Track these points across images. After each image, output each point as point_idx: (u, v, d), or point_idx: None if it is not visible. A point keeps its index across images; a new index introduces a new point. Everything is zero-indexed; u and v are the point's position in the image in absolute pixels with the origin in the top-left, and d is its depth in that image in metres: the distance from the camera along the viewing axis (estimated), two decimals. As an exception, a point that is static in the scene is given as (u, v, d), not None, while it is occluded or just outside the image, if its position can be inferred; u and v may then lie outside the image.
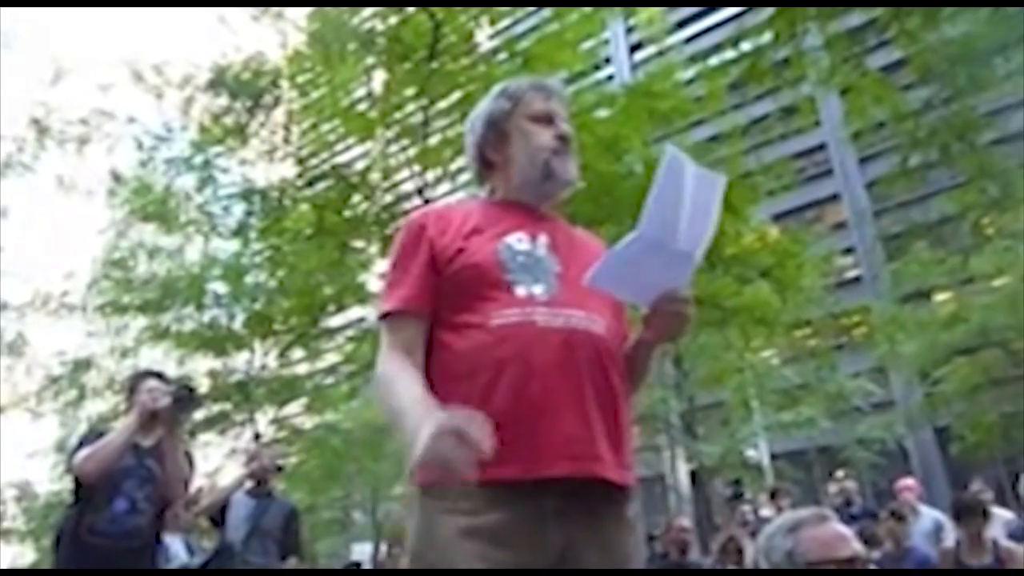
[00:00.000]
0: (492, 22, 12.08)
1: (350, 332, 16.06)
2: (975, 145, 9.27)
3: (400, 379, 1.46)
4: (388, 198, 12.86)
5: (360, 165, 13.29)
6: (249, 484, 4.64)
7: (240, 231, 13.43)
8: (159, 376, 3.47)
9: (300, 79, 13.00)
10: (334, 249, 12.09)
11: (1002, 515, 6.30)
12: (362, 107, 12.50)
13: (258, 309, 14.31)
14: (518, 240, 1.56)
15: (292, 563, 4.60)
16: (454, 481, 1.27)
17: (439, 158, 11.78)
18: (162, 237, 16.12)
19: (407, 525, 1.49)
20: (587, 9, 11.32)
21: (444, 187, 13.69)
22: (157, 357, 16.30)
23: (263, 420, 17.28)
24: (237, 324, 14.95)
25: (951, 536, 5.22)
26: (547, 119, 1.67)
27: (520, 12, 13.80)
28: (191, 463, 3.49)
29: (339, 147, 14.34)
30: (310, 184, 12.89)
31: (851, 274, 27.02)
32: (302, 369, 18.55)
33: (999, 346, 17.79)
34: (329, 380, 18.39)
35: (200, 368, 16.23)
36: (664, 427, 21.51)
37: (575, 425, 1.41)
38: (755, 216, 13.33)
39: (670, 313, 1.51)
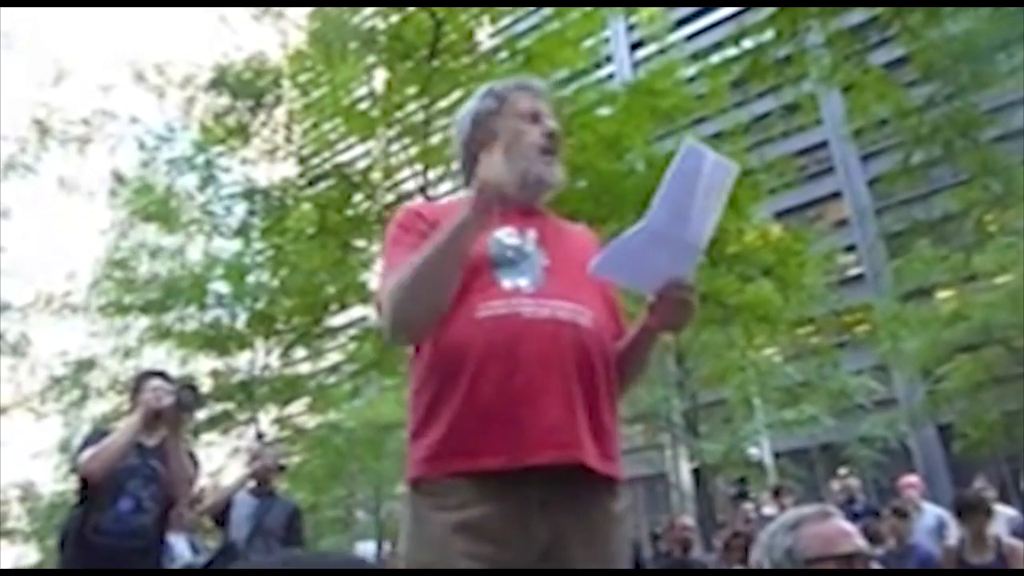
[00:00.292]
0: (493, 21, 12.08)
1: (352, 331, 16.05)
2: (978, 142, 9.26)
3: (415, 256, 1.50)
4: (390, 197, 12.85)
5: (362, 164, 13.29)
6: (252, 483, 4.65)
7: (242, 231, 13.43)
8: (163, 376, 3.48)
9: (301, 78, 12.98)
10: (336, 248, 12.09)
11: (1005, 512, 6.30)
12: (363, 106, 12.50)
13: (260, 309, 14.32)
14: (507, 234, 1.58)
15: (295, 562, 4.60)
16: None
17: (441, 157, 11.77)
18: (164, 237, 16.13)
19: (400, 526, 1.51)
20: (588, 7, 11.31)
21: (446, 186, 13.70)
22: (160, 357, 16.32)
23: (266, 419, 17.30)
24: (239, 324, 14.96)
25: (954, 533, 5.21)
26: (534, 117, 1.69)
27: (521, 11, 13.80)
28: (195, 462, 3.50)
29: (341, 146, 14.34)
30: (312, 183, 12.89)
31: (853, 272, 26.98)
32: (304, 368, 18.57)
33: (1002, 343, 17.76)
34: (332, 379, 18.39)
35: (203, 368, 16.25)
36: (666, 425, 21.52)
37: (559, 415, 1.42)
38: (757, 214, 13.32)
39: (675, 301, 1.52)
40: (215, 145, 12.72)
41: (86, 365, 17.90)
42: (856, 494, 7.40)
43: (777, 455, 19.99)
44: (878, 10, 8.73)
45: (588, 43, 12.35)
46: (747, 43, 8.64)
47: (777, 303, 12.53)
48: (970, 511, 4.50)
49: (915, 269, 18.80)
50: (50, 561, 21.37)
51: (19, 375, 17.53)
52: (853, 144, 23.58)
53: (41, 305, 16.80)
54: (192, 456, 3.49)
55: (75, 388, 18.03)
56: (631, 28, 28.28)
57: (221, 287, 14.98)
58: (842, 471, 8.10)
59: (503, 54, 11.64)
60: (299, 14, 12.93)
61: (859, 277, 26.65)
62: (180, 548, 4.79)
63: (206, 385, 15.24)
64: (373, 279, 13.55)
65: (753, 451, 18.84)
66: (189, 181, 13.65)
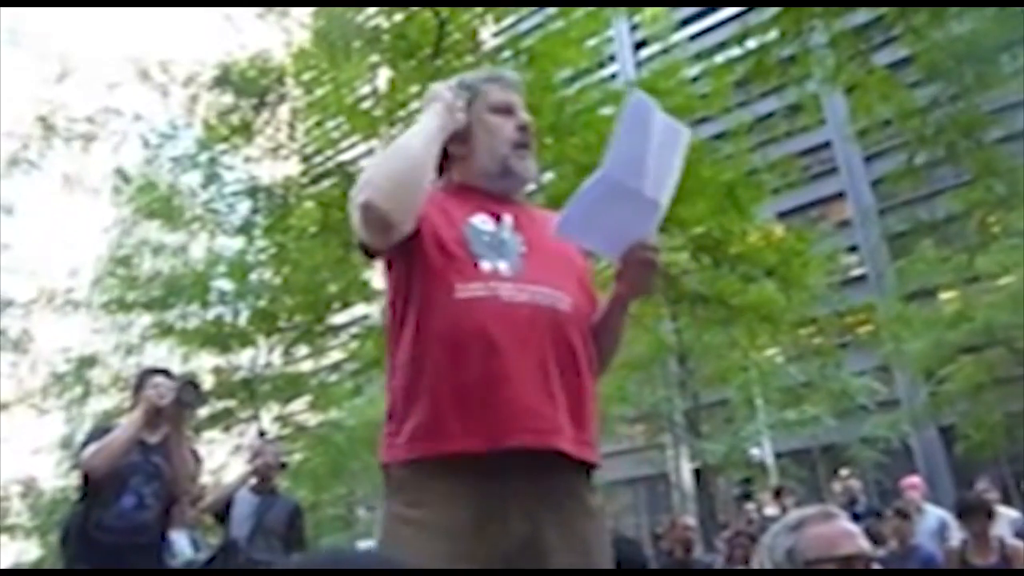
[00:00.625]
0: (497, 20, 12.07)
1: (355, 329, 16.06)
2: (981, 143, 9.24)
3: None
4: (392, 196, 12.84)
5: (365, 163, 13.29)
6: (253, 481, 4.65)
7: (245, 228, 13.44)
8: (165, 373, 3.49)
9: (305, 77, 12.99)
10: (339, 246, 12.09)
11: (1008, 514, 6.29)
12: (367, 105, 12.50)
13: (263, 306, 14.32)
14: (482, 221, 1.57)
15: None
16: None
17: (443, 156, 11.77)
18: (167, 234, 16.14)
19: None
20: (591, 7, 11.30)
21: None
22: (162, 354, 16.34)
23: (267, 417, 17.31)
24: (242, 321, 14.96)
25: (956, 535, 5.21)
26: (507, 110, 1.68)
27: (524, 10, 13.78)
28: (197, 459, 3.51)
29: (344, 144, 14.35)
30: (315, 181, 12.89)
31: (856, 272, 26.95)
32: (307, 366, 18.58)
33: (1004, 345, 17.73)
34: (333, 377, 18.41)
35: (205, 365, 16.25)
36: (668, 425, 21.51)
37: (537, 399, 1.41)
38: (760, 214, 13.31)
39: (640, 262, 1.53)
40: (218, 143, 12.72)
41: (88, 362, 17.93)
42: (857, 495, 7.38)
43: (779, 455, 19.98)
44: (882, 10, 8.71)
45: (591, 42, 12.35)
46: (751, 43, 8.63)
47: (780, 303, 12.52)
48: (972, 513, 4.50)
49: (918, 270, 18.79)
50: (51, 557, 21.40)
51: (21, 371, 17.59)
52: (856, 145, 23.56)
53: (44, 301, 16.82)
54: (194, 453, 3.50)
55: (77, 385, 18.06)
56: (634, 28, 28.24)
57: (224, 284, 14.99)
58: (844, 472, 8.08)
59: (507, 53, 11.63)
60: (303, 13, 12.94)
61: (862, 278, 26.62)
62: (181, 545, 4.80)
63: (208, 382, 15.24)
64: (375, 278, 13.57)
65: (755, 451, 18.82)
66: (192, 179, 13.66)
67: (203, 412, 15.81)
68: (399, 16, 11.41)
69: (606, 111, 11.26)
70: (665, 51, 15.59)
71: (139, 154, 14.32)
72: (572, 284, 1.58)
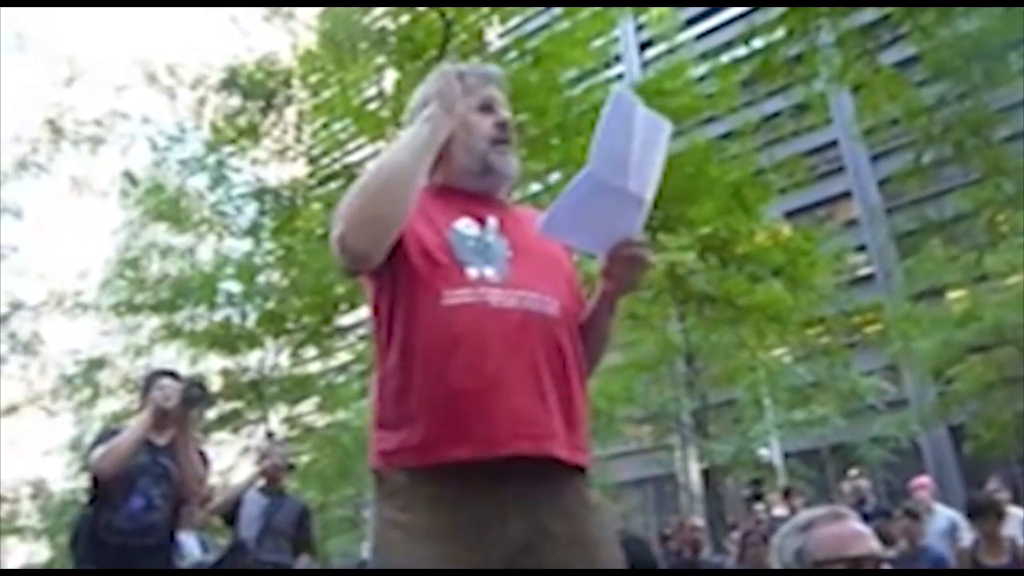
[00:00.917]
0: (503, 20, 12.08)
1: (362, 331, 16.09)
2: (989, 141, 9.19)
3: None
4: (399, 197, 12.86)
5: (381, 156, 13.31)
6: (261, 482, 4.66)
7: (252, 230, 13.48)
8: (172, 375, 3.50)
9: (312, 79, 13.02)
10: (346, 248, 12.11)
11: (1019, 514, 6.24)
12: (373, 106, 12.52)
13: (270, 308, 14.35)
14: (466, 226, 1.54)
15: (304, 561, 4.62)
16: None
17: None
18: (175, 237, 16.18)
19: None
20: (597, 7, 11.30)
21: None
22: (170, 356, 16.38)
23: (275, 418, 17.34)
24: (250, 323, 14.99)
25: (967, 535, 5.19)
26: (487, 106, 1.65)
27: (530, 10, 13.79)
28: (206, 461, 3.51)
29: (351, 146, 14.38)
30: (322, 183, 12.93)
31: (864, 272, 26.85)
32: (314, 368, 18.61)
33: (1013, 344, 17.62)
34: (341, 378, 18.45)
35: (213, 367, 16.29)
36: (676, 426, 21.48)
37: (531, 405, 1.40)
38: (767, 214, 13.28)
39: (627, 258, 1.51)
40: (226, 145, 12.78)
41: (97, 364, 17.99)
42: (867, 495, 7.35)
43: (787, 456, 19.91)
44: (889, 9, 8.69)
45: (597, 43, 12.34)
46: (757, 43, 8.62)
47: (787, 303, 12.50)
48: (982, 513, 4.47)
49: (926, 269, 18.70)
50: (61, 559, 21.50)
51: (31, 373, 17.64)
52: (863, 144, 23.41)
53: (53, 304, 16.88)
54: (203, 454, 3.50)
55: (86, 386, 18.12)
56: (640, 28, 28.21)
57: (231, 286, 15.02)
58: (853, 472, 8.04)
59: (512, 54, 11.64)
60: (309, 15, 12.98)
61: (870, 277, 26.52)
62: (190, 546, 4.82)
63: (216, 384, 15.29)
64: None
65: (763, 452, 18.76)
66: (200, 181, 13.74)
67: (211, 414, 15.87)
68: (405, 18, 11.43)
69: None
70: (671, 51, 15.60)
71: (147, 157, 14.42)
72: (560, 286, 1.56)
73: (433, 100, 1.57)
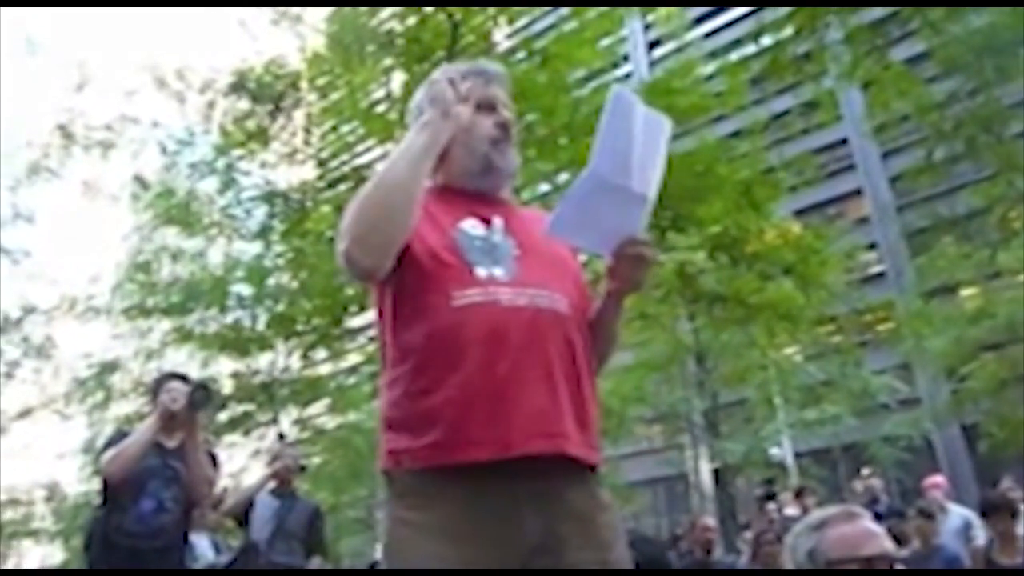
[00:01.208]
0: (510, 21, 12.08)
1: (372, 332, 16.03)
2: (1001, 137, 9.13)
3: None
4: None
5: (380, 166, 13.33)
6: (273, 484, 4.67)
7: (262, 233, 13.52)
8: (181, 378, 3.51)
9: (320, 82, 13.07)
10: (355, 250, 12.13)
11: (1033, 513, 6.19)
12: (381, 108, 12.55)
13: (281, 310, 14.39)
14: (472, 226, 1.54)
15: (316, 563, 4.63)
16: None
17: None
18: (185, 240, 16.24)
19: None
20: (605, 7, 11.28)
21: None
22: (182, 359, 16.44)
23: (287, 421, 17.39)
24: (260, 325, 15.03)
25: (981, 534, 5.15)
26: (488, 106, 1.63)
27: (538, 11, 13.79)
28: (216, 464, 3.52)
29: (359, 148, 14.40)
30: (331, 186, 12.96)
31: (875, 269, 26.73)
32: (325, 369, 18.63)
33: (1027, 341, 17.49)
34: (352, 380, 18.46)
35: (224, 370, 16.35)
36: (687, 425, 21.43)
37: (544, 404, 1.39)
38: (777, 212, 13.23)
39: (632, 257, 1.51)
40: (235, 149, 12.83)
41: (109, 367, 18.08)
42: (879, 494, 7.32)
43: (799, 455, 19.84)
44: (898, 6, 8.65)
45: (605, 42, 12.33)
46: (765, 40, 8.59)
47: (798, 302, 12.45)
48: (996, 511, 4.44)
49: (938, 266, 18.56)
50: (75, 561, 21.60)
51: (44, 377, 17.77)
52: (874, 141, 23.27)
53: (65, 308, 17.00)
54: (213, 457, 3.52)
55: (99, 390, 18.21)
56: (648, 27, 28.19)
57: (242, 289, 15.07)
58: (865, 471, 8.00)
59: (520, 54, 11.64)
60: (317, 18, 13.02)
61: (881, 275, 26.39)
62: (203, 548, 4.83)
63: (227, 387, 15.34)
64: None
65: (774, 451, 18.70)
66: (210, 185, 13.79)
67: (223, 416, 15.93)
68: (413, 19, 11.44)
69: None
70: (679, 50, 15.55)
71: (157, 161, 14.49)
72: (568, 284, 1.56)
73: (429, 105, 1.56)
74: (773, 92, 13.68)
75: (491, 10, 11.41)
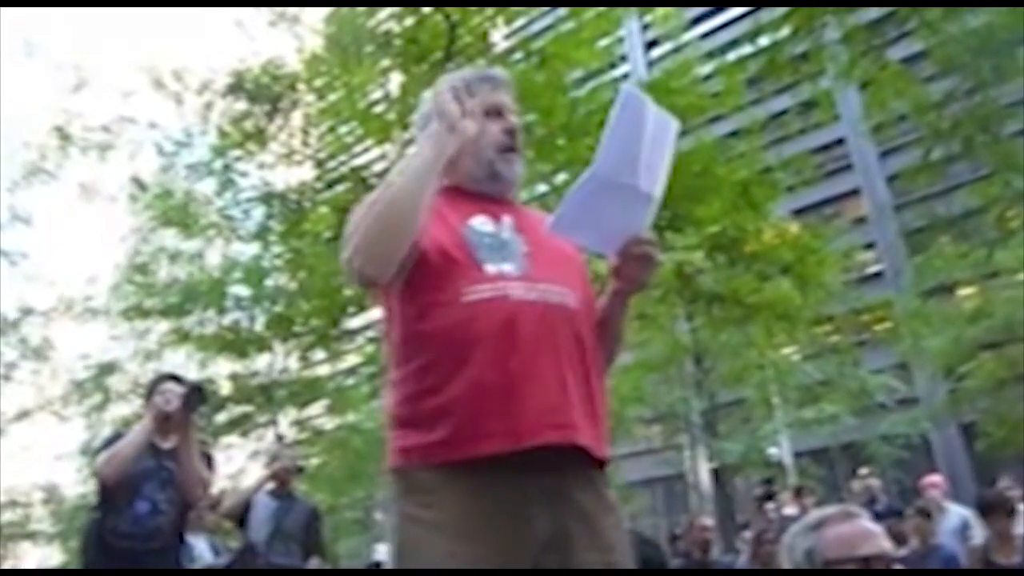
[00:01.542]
0: (508, 22, 12.08)
1: (371, 333, 16.09)
2: (998, 137, 9.13)
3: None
4: (407, 200, 12.87)
5: (378, 167, 13.33)
6: (271, 485, 4.67)
7: (260, 234, 13.51)
8: (176, 379, 3.51)
9: (317, 82, 13.05)
10: (353, 251, 12.12)
11: (1031, 512, 6.20)
12: (379, 109, 12.55)
13: (279, 311, 14.38)
14: (482, 223, 1.55)
15: (315, 563, 4.62)
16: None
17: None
18: (183, 241, 16.22)
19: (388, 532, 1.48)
20: (602, 7, 11.28)
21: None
22: (180, 360, 16.43)
23: (285, 422, 17.38)
24: (258, 326, 15.03)
25: (979, 534, 5.15)
26: (496, 112, 1.64)
27: (535, 11, 13.79)
28: (210, 465, 3.52)
29: (357, 149, 14.40)
30: (329, 186, 12.96)
31: (873, 269, 26.76)
32: (323, 370, 18.63)
33: (1025, 340, 17.52)
34: (350, 381, 18.45)
35: (222, 371, 16.35)
36: (685, 425, 21.43)
37: (555, 396, 1.40)
38: (775, 212, 13.24)
39: (638, 257, 1.52)
40: (233, 150, 12.81)
41: (107, 369, 18.07)
42: (877, 494, 7.32)
43: (797, 455, 19.85)
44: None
45: (603, 43, 12.34)
46: (763, 40, 8.60)
47: (796, 301, 12.46)
48: (993, 511, 4.43)
49: (936, 266, 18.57)
50: (73, 563, 21.55)
51: (42, 379, 17.77)
52: (871, 141, 23.39)
53: (63, 309, 17.01)
54: (208, 458, 3.51)
55: (97, 391, 18.21)
56: (646, 27, 28.18)
57: (240, 290, 15.06)
58: (863, 471, 8.00)
59: (518, 55, 11.64)
60: (315, 19, 13.02)
61: (879, 274, 26.41)
62: (201, 549, 4.83)
63: (226, 388, 15.33)
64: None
65: (773, 451, 18.71)
66: (208, 186, 13.77)
67: (221, 417, 15.93)
68: (410, 20, 11.44)
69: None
70: (677, 50, 15.54)
71: (155, 162, 14.46)
72: (575, 281, 1.57)
73: (435, 118, 1.55)
74: (770, 92, 13.64)
75: (489, 11, 11.42)
